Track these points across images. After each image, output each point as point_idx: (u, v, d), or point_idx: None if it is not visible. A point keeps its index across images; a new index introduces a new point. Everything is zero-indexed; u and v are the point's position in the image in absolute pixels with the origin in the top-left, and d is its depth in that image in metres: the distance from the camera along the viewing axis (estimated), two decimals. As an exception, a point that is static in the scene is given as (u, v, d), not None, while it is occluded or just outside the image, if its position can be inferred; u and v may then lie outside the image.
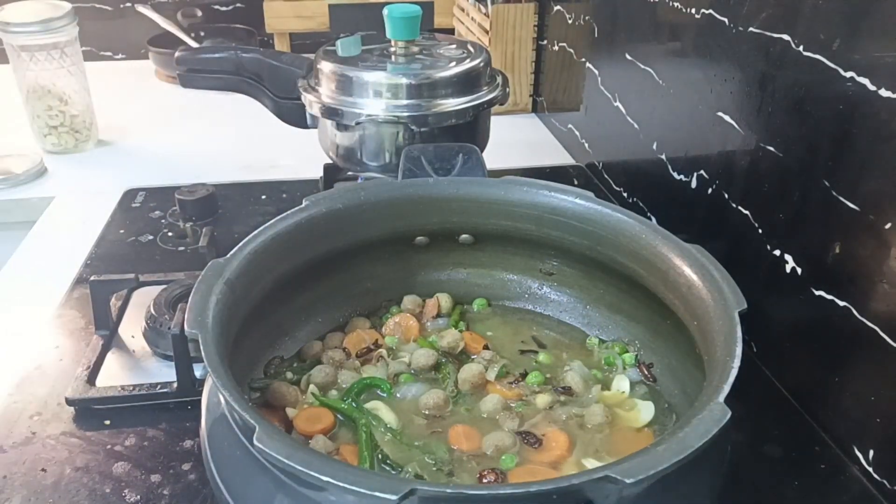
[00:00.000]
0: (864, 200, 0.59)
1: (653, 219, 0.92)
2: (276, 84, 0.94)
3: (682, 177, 0.87)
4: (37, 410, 0.68)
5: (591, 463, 0.54)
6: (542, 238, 0.67)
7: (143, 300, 0.79)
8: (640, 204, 1.00)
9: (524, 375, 0.62)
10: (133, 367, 0.72)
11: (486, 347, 0.66)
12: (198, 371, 0.68)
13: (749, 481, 0.62)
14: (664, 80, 0.90)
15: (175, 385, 0.68)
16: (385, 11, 0.86)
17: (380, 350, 0.64)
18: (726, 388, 0.44)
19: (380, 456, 0.54)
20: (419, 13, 0.86)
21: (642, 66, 0.95)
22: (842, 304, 0.62)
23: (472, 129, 0.89)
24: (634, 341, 0.65)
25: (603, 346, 0.66)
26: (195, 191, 1.03)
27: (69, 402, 0.67)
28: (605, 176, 1.11)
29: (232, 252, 0.56)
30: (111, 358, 0.73)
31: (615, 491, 0.39)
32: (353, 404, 0.58)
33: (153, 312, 0.74)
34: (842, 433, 0.64)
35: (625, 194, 1.05)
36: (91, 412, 0.67)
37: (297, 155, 1.20)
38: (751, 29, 0.71)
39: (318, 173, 1.03)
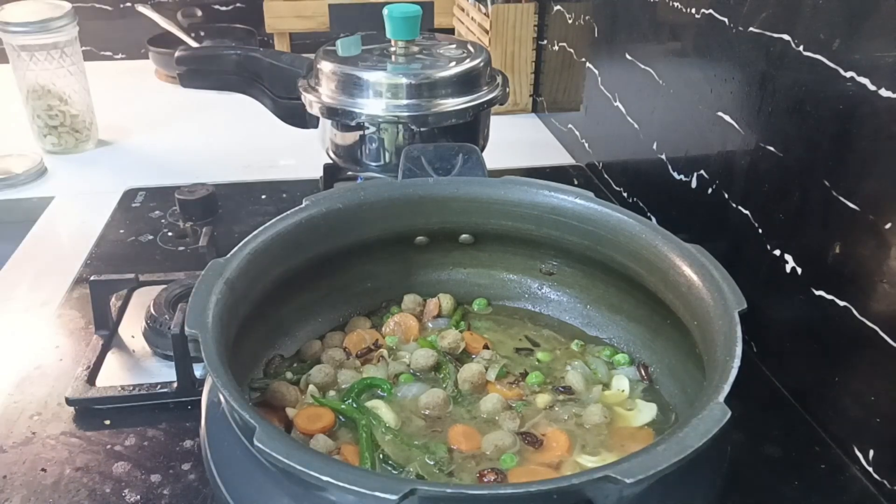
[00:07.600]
0: (864, 200, 0.59)
1: (653, 219, 0.92)
2: (276, 84, 0.94)
3: (682, 177, 0.87)
4: (37, 410, 0.68)
5: (591, 463, 0.54)
6: (542, 238, 0.67)
7: (143, 300, 0.79)
8: (640, 204, 1.00)
9: (524, 375, 0.62)
10: (133, 367, 0.72)
11: (486, 347, 0.66)
12: (198, 371, 0.68)
13: (749, 481, 0.62)
14: (664, 80, 0.90)
15: (175, 385, 0.68)
16: (385, 11, 0.86)
17: (380, 350, 0.64)
18: (726, 388, 0.44)
19: (381, 456, 0.54)
20: (419, 13, 0.86)
21: (642, 66, 0.95)
22: (842, 304, 0.62)
23: (472, 129, 0.89)
24: (634, 341, 0.65)
25: (591, 352, 0.66)
26: (195, 191, 1.03)
27: (69, 402, 0.67)
28: (605, 176, 1.11)
29: (232, 252, 0.56)
30: (111, 358, 0.73)
31: (615, 491, 0.39)
32: (354, 404, 0.58)
33: (153, 312, 0.74)
34: (842, 433, 0.64)
35: (625, 194, 1.05)
36: (91, 412, 0.67)
37: (297, 155, 1.21)
38: (751, 29, 0.71)
39: (318, 173, 1.03)
